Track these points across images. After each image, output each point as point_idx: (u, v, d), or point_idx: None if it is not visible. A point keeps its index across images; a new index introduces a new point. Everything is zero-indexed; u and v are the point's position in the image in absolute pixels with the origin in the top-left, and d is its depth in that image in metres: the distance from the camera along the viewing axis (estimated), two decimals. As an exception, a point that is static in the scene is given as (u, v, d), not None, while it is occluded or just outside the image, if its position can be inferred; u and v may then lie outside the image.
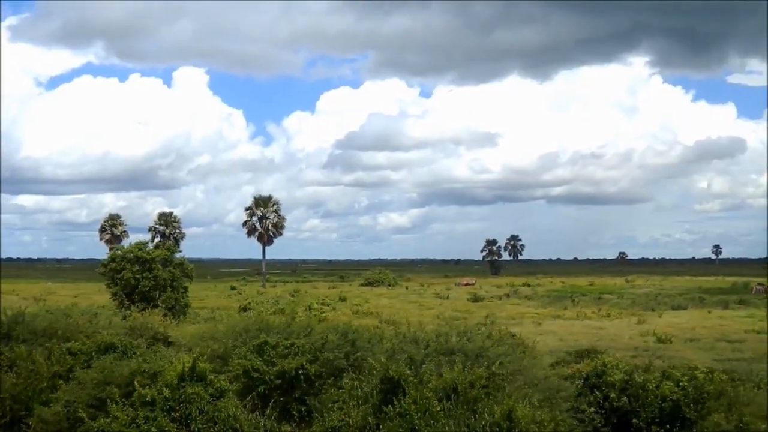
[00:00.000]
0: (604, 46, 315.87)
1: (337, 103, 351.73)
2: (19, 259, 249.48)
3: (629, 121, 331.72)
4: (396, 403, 13.24)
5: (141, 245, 41.19)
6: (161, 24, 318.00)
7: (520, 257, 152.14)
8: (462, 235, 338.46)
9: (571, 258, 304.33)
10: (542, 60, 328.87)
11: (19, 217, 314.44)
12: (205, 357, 15.00)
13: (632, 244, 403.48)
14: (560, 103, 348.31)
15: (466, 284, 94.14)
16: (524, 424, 12.54)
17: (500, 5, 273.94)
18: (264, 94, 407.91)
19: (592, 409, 16.36)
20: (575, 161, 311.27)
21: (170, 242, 71.46)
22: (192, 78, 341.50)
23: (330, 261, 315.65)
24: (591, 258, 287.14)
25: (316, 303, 48.09)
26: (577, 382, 17.45)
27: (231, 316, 31.98)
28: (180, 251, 43.36)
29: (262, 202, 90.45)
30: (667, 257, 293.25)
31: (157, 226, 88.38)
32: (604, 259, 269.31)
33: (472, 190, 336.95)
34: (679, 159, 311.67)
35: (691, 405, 15.67)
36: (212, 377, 14.34)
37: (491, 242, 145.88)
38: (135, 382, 14.01)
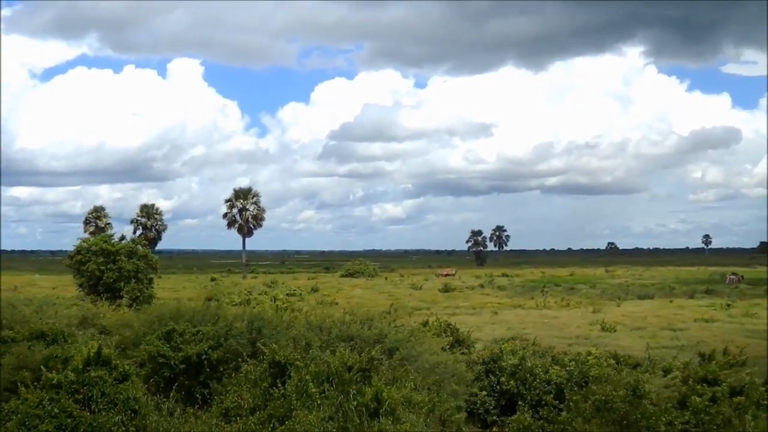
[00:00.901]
0: (599, 36, 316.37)
1: (332, 94, 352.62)
2: (13, 251, 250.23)
3: (624, 111, 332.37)
4: (280, 385, 14.26)
5: (106, 237, 42.13)
6: (155, 15, 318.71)
7: (506, 248, 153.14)
8: (457, 226, 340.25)
9: (565, 248, 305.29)
10: (537, 50, 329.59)
11: (14, 209, 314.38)
12: (113, 343, 15.99)
13: (627, 234, 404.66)
14: (555, 94, 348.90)
15: (446, 275, 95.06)
16: (390, 404, 13.50)
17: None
18: (259, 85, 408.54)
19: (484, 392, 17.43)
20: (570, 151, 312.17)
21: (141, 236, 72.19)
22: (187, 69, 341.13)
23: (323, 252, 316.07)
24: (585, 248, 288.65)
25: (282, 294, 49.00)
26: (477, 367, 18.52)
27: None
28: (145, 243, 43.89)
29: (242, 194, 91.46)
30: (662, 247, 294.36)
31: (139, 218, 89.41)
32: (598, 249, 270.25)
33: (467, 181, 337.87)
34: (673, 149, 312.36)
35: (575, 387, 16.63)
36: (117, 362, 15.28)
37: (476, 233, 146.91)
38: (42, 367, 14.93)
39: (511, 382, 17.23)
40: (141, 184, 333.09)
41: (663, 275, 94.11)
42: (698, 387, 17.42)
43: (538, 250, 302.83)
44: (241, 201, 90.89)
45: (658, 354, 27.01)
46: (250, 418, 13.92)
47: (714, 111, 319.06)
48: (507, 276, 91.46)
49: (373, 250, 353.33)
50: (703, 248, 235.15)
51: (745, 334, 34.67)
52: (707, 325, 38.68)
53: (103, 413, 13.92)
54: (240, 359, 15.92)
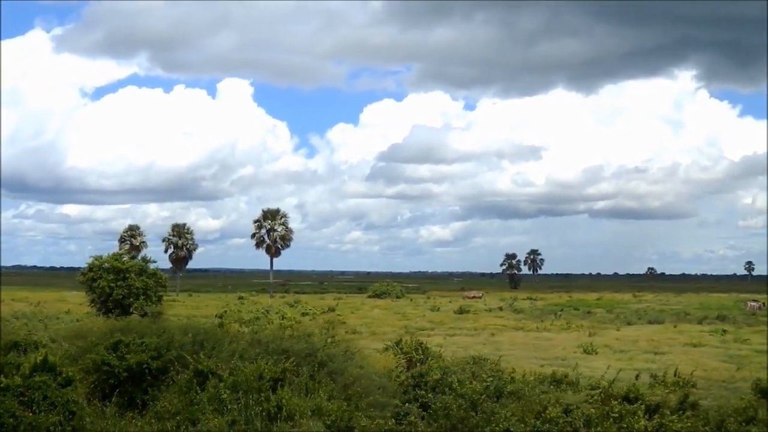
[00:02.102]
0: (650, 60, 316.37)
1: (381, 116, 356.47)
2: (62, 268, 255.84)
3: (674, 135, 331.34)
4: (200, 392, 15.94)
5: (117, 256, 44.13)
6: (205, 35, 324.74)
7: (540, 271, 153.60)
8: (504, 249, 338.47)
9: (611, 273, 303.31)
10: (587, 73, 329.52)
11: (64, 227, 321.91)
12: (60, 353, 17.73)
13: (675, 259, 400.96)
14: (605, 117, 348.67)
15: (473, 297, 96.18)
16: (289, 410, 15.07)
17: (545, 18, 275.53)
18: (308, 105, 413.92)
19: (407, 405, 18.83)
20: (619, 175, 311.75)
21: (172, 255, 74.22)
22: (236, 89, 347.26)
23: (369, 273, 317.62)
24: (631, 273, 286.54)
25: (290, 313, 50.67)
26: (407, 381, 19.98)
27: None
28: (154, 261, 45.89)
29: (270, 215, 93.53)
30: (710, 273, 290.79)
31: (171, 237, 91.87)
32: (655, 273, 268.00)
33: (515, 204, 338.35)
34: (724, 174, 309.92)
35: (487, 402, 17.97)
36: (63, 369, 17.00)
37: (511, 256, 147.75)
38: (-6, 373, 16.70)
39: (429, 395, 18.55)
40: (189, 203, 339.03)
41: (689, 301, 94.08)
42: (614, 403, 18.80)
43: (583, 274, 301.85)
44: (269, 222, 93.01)
45: (623, 375, 28.26)
46: (169, 421, 15.57)
47: (766, 136, 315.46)
48: (532, 299, 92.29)
49: (419, 272, 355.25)
50: (753, 275, 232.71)
51: (721, 359, 35.46)
52: (692, 349, 39.49)
53: (43, 414, 15.50)
54: (171, 368, 17.53)
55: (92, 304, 43.66)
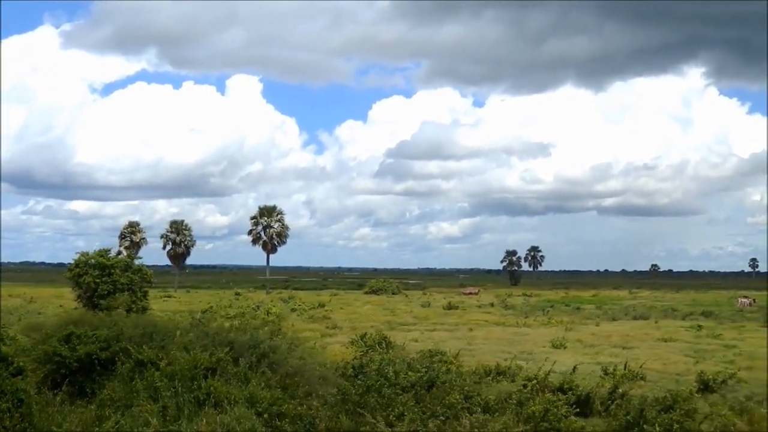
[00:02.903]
0: (659, 57, 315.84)
1: (390, 112, 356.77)
2: (71, 263, 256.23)
3: (683, 132, 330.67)
4: (138, 379, 16.97)
5: (103, 252, 45.10)
6: (214, 31, 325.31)
7: (540, 267, 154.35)
8: (512, 246, 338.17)
9: (619, 270, 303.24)
10: (596, 70, 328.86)
11: (72, 223, 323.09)
12: (14, 346, 18.77)
13: (684, 256, 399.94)
14: (614, 114, 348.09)
15: (469, 293, 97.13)
16: (216, 397, 16.06)
17: (554, 15, 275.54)
18: (317, 102, 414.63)
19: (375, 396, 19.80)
20: (628, 172, 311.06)
21: (171, 251, 75.33)
22: (245, 85, 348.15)
23: (376, 270, 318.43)
24: (639, 270, 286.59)
25: (277, 309, 51.65)
26: (349, 372, 20.94)
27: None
28: (140, 258, 46.91)
29: (266, 212, 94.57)
30: (718, 270, 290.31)
31: (169, 234, 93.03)
32: (659, 271, 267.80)
33: (523, 201, 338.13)
34: (733, 171, 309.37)
35: (420, 390, 18.93)
36: (14, 359, 18.01)
37: (511, 253, 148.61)
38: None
39: (362, 383, 19.51)
40: (198, 200, 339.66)
41: (684, 298, 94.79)
42: (545, 394, 19.83)
43: (590, 271, 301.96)
44: (266, 218, 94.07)
45: (582, 368, 29.28)
46: (109, 407, 16.59)
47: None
48: (527, 296, 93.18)
49: (428, 268, 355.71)
50: (757, 272, 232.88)
51: (685, 353, 36.32)
52: (662, 344, 40.36)
53: (-7, 401, 16.48)
54: (117, 359, 18.54)
55: (78, 300, 44.66)
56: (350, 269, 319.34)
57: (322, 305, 64.75)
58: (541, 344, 39.00)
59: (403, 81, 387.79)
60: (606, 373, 27.81)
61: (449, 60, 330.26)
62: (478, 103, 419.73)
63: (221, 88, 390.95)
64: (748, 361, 33.64)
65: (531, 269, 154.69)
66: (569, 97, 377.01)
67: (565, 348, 37.50)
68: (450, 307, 66.76)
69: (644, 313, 63.69)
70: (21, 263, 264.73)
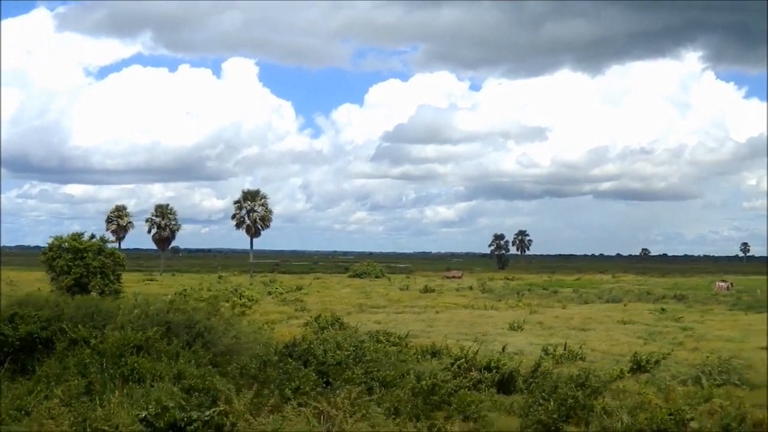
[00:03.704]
0: (657, 41, 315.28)
1: (386, 96, 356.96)
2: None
3: (681, 116, 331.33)
4: (71, 356, 17.94)
5: (76, 236, 46.02)
6: (210, 14, 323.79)
7: (528, 251, 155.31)
8: (509, 230, 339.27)
9: (614, 254, 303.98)
10: (594, 54, 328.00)
11: (68, 206, 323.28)
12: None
13: (680, 241, 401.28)
14: (611, 98, 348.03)
15: (453, 277, 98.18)
16: (140, 373, 17.01)
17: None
18: (313, 85, 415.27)
19: (278, 371, 20.77)
20: (625, 156, 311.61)
21: (155, 235, 76.30)
22: (241, 69, 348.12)
23: (372, 253, 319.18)
24: (634, 254, 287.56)
25: (247, 291, 52.70)
26: (282, 350, 21.89)
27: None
28: (112, 241, 47.79)
29: (250, 196, 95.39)
30: (715, 254, 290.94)
31: (154, 218, 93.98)
32: (649, 255, 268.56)
33: (520, 185, 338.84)
34: (730, 156, 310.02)
35: (349, 366, 19.87)
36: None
37: (498, 237, 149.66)
38: None
39: (293, 362, 20.47)
40: (194, 183, 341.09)
41: (666, 282, 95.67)
42: (471, 372, 20.86)
43: (586, 255, 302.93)
44: (249, 203, 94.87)
45: (530, 349, 30.33)
46: (40, 382, 17.54)
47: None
48: (509, 279, 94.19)
49: (424, 252, 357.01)
50: (752, 256, 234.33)
51: (638, 335, 37.27)
52: (620, 326, 41.31)
53: (-65, 379, 17.47)
54: (55, 338, 19.48)
55: (52, 283, 45.58)
56: (345, 253, 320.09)
57: (299, 288, 65.74)
58: (500, 326, 39.94)
59: (400, 64, 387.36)
60: (546, 354, 28.88)
61: (446, 43, 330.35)
62: (475, 87, 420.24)
63: (217, 72, 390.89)
64: (696, 343, 34.57)
65: (519, 253, 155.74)
66: (566, 81, 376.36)
67: (521, 330, 38.41)
68: (426, 290, 67.83)
69: (617, 297, 64.64)
70: (16, 247, 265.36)
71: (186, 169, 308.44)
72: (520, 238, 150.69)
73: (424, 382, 15.08)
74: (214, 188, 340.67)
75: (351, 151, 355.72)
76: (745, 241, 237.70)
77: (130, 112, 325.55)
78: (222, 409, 11.39)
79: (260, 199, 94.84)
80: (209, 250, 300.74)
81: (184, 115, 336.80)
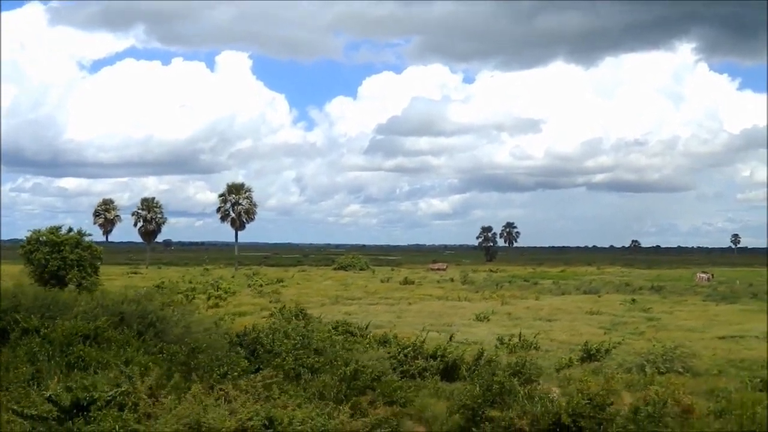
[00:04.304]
0: (651, 33, 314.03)
1: (380, 88, 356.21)
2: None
3: (674, 108, 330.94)
4: (22, 345, 18.65)
5: (54, 230, 46.64)
6: (203, 7, 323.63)
7: (516, 244, 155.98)
8: (503, 222, 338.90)
9: (607, 246, 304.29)
10: (587, 46, 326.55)
11: (61, 200, 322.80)
12: None
13: (673, 232, 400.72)
14: (605, 90, 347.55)
15: (437, 269, 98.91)
16: (87, 361, 17.70)
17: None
18: (307, 78, 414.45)
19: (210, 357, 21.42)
20: (618, 148, 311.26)
21: (141, 228, 77.01)
22: (235, 62, 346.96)
23: (364, 246, 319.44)
24: (626, 246, 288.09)
25: (224, 284, 53.39)
26: (234, 340, 22.59)
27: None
28: (90, 235, 48.39)
29: (234, 189, 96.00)
30: (708, 246, 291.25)
31: (140, 211, 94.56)
32: (639, 247, 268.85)
33: (514, 177, 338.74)
34: (723, 147, 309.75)
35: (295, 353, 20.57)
36: None
37: (486, 229, 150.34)
38: None
39: (240, 351, 21.19)
40: (188, 177, 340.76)
41: (650, 274, 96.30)
42: (415, 361, 21.60)
43: (579, 247, 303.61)
44: (234, 196, 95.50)
45: (491, 339, 31.04)
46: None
47: (765, 109, 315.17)
48: (492, 271, 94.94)
49: (418, 244, 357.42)
50: (744, 247, 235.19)
51: (601, 326, 38.02)
52: (586, 317, 42.12)
53: None
54: (9, 327, 20.17)
55: (31, 276, 46.16)
56: (338, 246, 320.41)
57: (280, 281, 66.43)
58: (467, 317, 40.68)
59: (393, 57, 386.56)
60: (501, 343, 29.64)
61: (440, 36, 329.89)
62: (469, 79, 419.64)
63: (211, 65, 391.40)
64: (656, 333, 35.35)
65: (507, 245, 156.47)
66: (560, 73, 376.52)
67: (488, 321, 39.15)
68: (406, 282, 68.53)
69: (595, 288, 65.33)
70: (9, 240, 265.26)
71: (180, 162, 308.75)
72: (507, 230, 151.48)
73: (347, 368, 15.75)
74: (208, 181, 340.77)
75: (344, 143, 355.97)
76: (736, 233, 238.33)
77: (123, 105, 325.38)
78: (124, 389, 12.05)
79: (245, 193, 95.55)
80: (202, 243, 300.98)
81: (178, 108, 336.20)
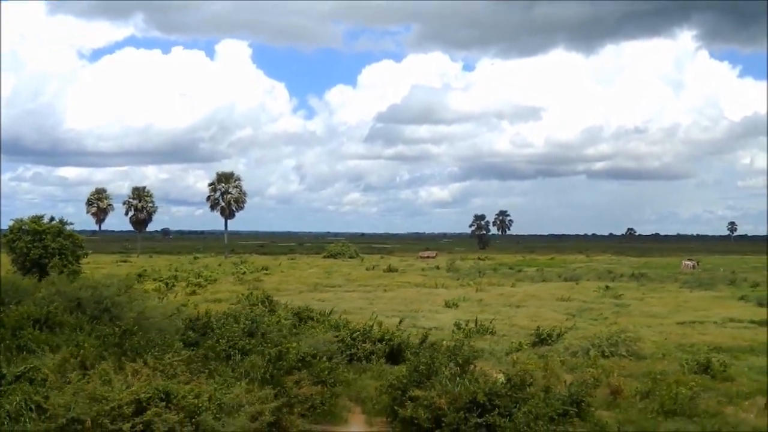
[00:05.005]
0: (651, 20, 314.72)
1: (379, 77, 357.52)
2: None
3: (675, 95, 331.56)
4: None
5: (36, 218, 47.43)
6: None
7: (508, 231, 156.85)
8: (502, 209, 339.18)
9: (606, 234, 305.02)
10: (588, 33, 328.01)
11: (61, 189, 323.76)
12: None
13: (674, 220, 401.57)
14: (605, 77, 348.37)
15: (427, 257, 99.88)
16: (36, 344, 18.58)
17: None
18: (307, 67, 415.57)
19: (181, 343, 22.34)
20: (618, 136, 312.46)
21: (132, 217, 77.91)
22: (234, 50, 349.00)
23: (364, 234, 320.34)
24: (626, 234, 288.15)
25: (206, 271, 54.30)
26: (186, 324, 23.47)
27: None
28: (72, 224, 49.09)
29: (224, 178, 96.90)
30: (709, 234, 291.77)
31: (131, 200, 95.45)
32: (639, 234, 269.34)
33: (513, 165, 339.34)
34: (724, 135, 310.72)
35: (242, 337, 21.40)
36: None
37: (479, 217, 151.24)
38: None
39: (191, 333, 22.04)
40: (187, 165, 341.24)
41: (636, 262, 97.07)
42: (363, 344, 22.46)
43: (578, 234, 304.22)
44: (224, 185, 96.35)
45: (451, 324, 31.85)
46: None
47: (766, 97, 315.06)
48: (480, 259, 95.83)
49: (418, 233, 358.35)
50: (744, 235, 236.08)
51: (567, 311, 38.82)
52: (557, 303, 42.93)
53: None
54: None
55: (13, 264, 47.02)
56: (336, 234, 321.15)
57: (265, 269, 67.35)
58: (438, 304, 41.53)
59: (393, 45, 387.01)
60: (459, 328, 30.52)
61: (439, 24, 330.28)
62: (469, 67, 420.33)
63: (210, 53, 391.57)
64: (618, 318, 36.22)
65: (500, 233, 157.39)
66: (560, 61, 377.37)
67: (456, 307, 40.00)
68: (390, 269, 69.43)
69: (577, 276, 66.20)
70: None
71: (179, 151, 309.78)
72: (501, 218, 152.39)
73: (272, 350, 16.58)
74: (208, 170, 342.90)
75: (344, 132, 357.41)
76: (732, 221, 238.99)
77: (123, 94, 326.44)
78: (33, 365, 12.92)
79: (234, 181, 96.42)
80: (202, 232, 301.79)
81: (178, 97, 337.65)
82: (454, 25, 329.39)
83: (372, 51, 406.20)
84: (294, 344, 17.50)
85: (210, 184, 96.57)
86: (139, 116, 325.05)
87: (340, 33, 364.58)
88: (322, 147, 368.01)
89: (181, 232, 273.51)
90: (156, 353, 15.65)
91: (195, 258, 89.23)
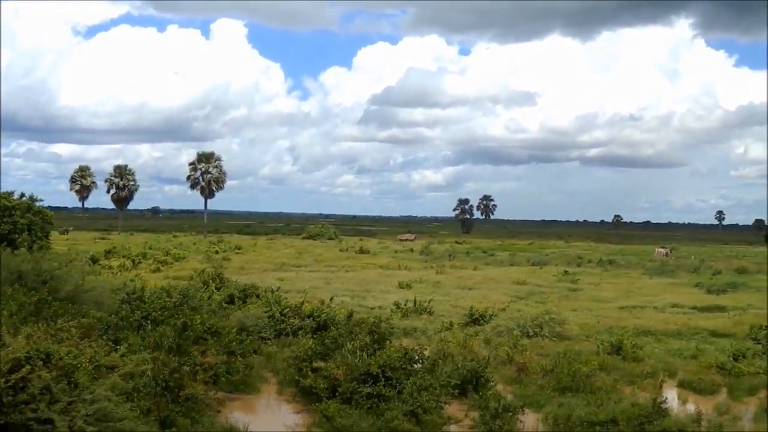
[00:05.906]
0: (648, 7, 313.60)
1: (375, 59, 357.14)
2: (49, 207, 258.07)
3: (670, 83, 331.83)
4: None
5: (6, 195, 48.46)
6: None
7: (492, 216, 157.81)
8: (496, 194, 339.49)
9: (598, 220, 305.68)
10: (584, 20, 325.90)
11: (54, 166, 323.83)
12: None
13: (667, 208, 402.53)
14: (601, 64, 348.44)
15: (405, 240, 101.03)
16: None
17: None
18: (302, 48, 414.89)
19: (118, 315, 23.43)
20: (613, 123, 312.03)
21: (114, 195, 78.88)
22: (230, 30, 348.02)
23: (355, 217, 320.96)
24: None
25: (173, 249, 55.42)
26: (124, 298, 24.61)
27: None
28: (41, 200, 50.08)
29: (204, 158, 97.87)
30: (702, 222, 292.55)
31: (113, 178, 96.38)
32: (631, 222, 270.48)
33: (508, 150, 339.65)
34: (719, 124, 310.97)
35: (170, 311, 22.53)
36: None
37: (463, 201, 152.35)
38: None
39: (126, 307, 23.19)
40: (181, 144, 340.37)
41: (612, 249, 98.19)
42: (304, 321, 23.64)
43: (569, 221, 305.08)
44: (204, 164, 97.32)
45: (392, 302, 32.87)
46: None
47: (761, 87, 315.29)
48: (458, 243, 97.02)
49: (411, 216, 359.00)
50: (735, 224, 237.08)
51: (517, 294, 39.97)
52: (511, 286, 44.06)
53: None
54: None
55: (-16, 239, 48.04)
56: (328, 216, 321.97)
57: (238, 248, 68.48)
58: (391, 285, 42.64)
59: (389, 27, 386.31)
60: (397, 308, 31.68)
61: (436, 7, 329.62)
62: (464, 51, 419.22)
63: (206, 33, 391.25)
64: (561, 302, 37.28)
65: (483, 218, 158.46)
66: (557, 46, 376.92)
67: (409, 288, 41.02)
68: (361, 251, 70.58)
69: (545, 261, 67.32)
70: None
71: (173, 129, 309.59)
72: (484, 203, 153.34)
73: (178, 321, 17.74)
74: (202, 149, 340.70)
75: (339, 113, 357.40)
76: (720, 210, 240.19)
77: (117, 72, 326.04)
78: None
79: (214, 161, 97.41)
80: (193, 212, 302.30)
81: (172, 75, 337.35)
82: (451, 8, 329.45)
83: (368, 33, 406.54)
84: (199, 316, 18.60)
85: (190, 164, 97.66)
86: (134, 94, 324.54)
87: (336, 14, 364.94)
88: (317, 128, 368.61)
89: (172, 211, 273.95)
90: (67, 321, 16.81)
91: (174, 236, 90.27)
